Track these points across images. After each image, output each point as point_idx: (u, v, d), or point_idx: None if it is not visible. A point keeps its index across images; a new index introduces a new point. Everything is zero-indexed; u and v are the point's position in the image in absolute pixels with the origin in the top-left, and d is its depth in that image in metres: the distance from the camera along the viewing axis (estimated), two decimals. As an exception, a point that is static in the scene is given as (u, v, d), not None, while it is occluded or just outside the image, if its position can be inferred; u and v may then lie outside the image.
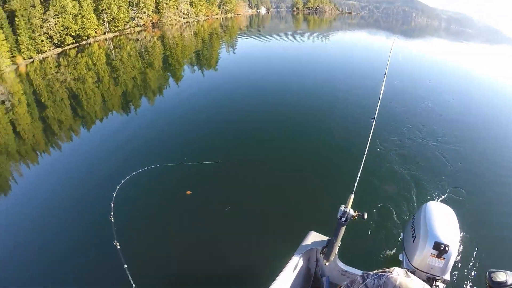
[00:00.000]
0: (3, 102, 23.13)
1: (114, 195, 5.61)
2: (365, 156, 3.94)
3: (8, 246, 7.56)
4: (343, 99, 14.36)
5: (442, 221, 3.43)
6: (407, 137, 10.18)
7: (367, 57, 26.52)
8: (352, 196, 3.51)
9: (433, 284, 3.32)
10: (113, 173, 8.85)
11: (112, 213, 4.97)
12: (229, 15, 73.13)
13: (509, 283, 2.76)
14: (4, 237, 8.15)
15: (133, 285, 3.50)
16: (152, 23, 57.17)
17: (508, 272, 2.87)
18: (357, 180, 3.67)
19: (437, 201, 4.17)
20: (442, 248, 3.16)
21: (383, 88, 4.87)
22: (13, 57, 38.27)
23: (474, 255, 5.41)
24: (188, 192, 8.37)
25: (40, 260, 6.90)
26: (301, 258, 3.62)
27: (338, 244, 3.37)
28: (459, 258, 3.72)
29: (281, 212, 7.21)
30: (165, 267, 6.09)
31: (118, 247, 4.05)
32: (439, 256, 3.19)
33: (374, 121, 4.35)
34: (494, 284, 2.82)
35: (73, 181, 10.14)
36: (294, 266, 3.50)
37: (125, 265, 3.78)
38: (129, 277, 3.64)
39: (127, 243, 4.54)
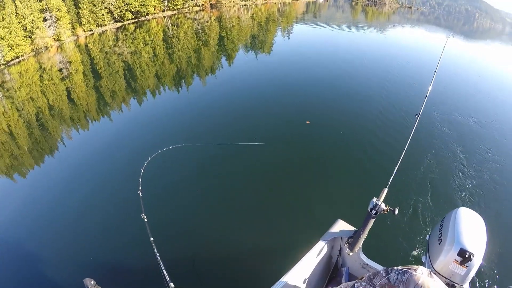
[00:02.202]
0: (61, 70, 23.72)
1: (142, 171, 5.75)
2: (404, 151, 3.77)
3: (38, 214, 8.07)
4: (390, 92, 13.65)
5: (471, 228, 3.28)
6: (450, 139, 9.77)
7: (421, 52, 24.50)
8: (386, 190, 3.36)
9: None
10: (148, 148, 8.82)
11: (140, 188, 5.09)
12: (287, 0, 71.57)
13: None
14: (42, 200, 8.65)
15: (158, 257, 3.53)
16: (210, 4, 56.96)
17: None
18: (393, 175, 3.53)
19: (469, 208, 3.68)
20: (466, 256, 3.01)
21: (431, 85, 4.58)
22: (73, 28, 39.67)
23: (497, 269, 5.29)
24: (308, 122, 9.83)
25: (69, 231, 7.18)
26: (326, 245, 3.68)
27: (364, 236, 3.35)
28: (481, 269, 3.49)
29: (313, 197, 7.31)
30: (190, 242, 6.35)
31: (146, 220, 4.12)
32: (462, 263, 3.06)
33: (418, 118, 4.19)
34: None
35: (112, 150, 10.67)
36: (317, 252, 3.57)
37: (151, 238, 3.82)
38: (155, 249, 3.69)
39: (154, 217, 4.72)
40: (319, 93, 13.85)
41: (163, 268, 3.30)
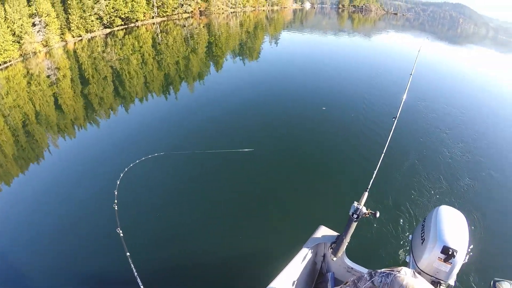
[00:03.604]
0: (49, 76, 23.66)
1: (118, 182, 5.45)
2: (383, 154, 3.86)
3: (12, 227, 7.78)
4: (370, 95, 14.03)
5: (453, 226, 3.41)
6: (428, 140, 10.15)
7: (401, 56, 25.63)
8: (366, 193, 3.43)
9: None
10: (127, 157, 8.40)
11: (116, 201, 4.89)
12: (275, 7, 72.20)
13: None
14: (17, 212, 8.33)
15: (135, 273, 3.43)
16: (199, 11, 57.36)
17: None
18: (373, 178, 3.58)
19: (450, 206, 3.95)
20: (450, 253, 3.11)
21: (407, 88, 4.75)
22: (62, 34, 39.41)
23: (481, 263, 5.37)
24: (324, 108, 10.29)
25: (44, 246, 6.97)
26: (309, 251, 3.68)
27: (347, 241, 3.37)
28: (465, 264, 3.32)
29: (293, 204, 7.33)
30: (168, 255, 6.17)
31: (121, 235, 4.00)
32: (446, 260, 3.15)
33: (396, 121, 4.27)
34: None
35: (90, 161, 10.26)
36: (301, 259, 3.56)
37: (128, 253, 3.70)
38: (131, 265, 3.57)
39: (130, 231, 4.61)
40: (303, 99, 14.22)
41: (140, 284, 3.24)
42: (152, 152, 7.53)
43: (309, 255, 3.71)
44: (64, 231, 7.32)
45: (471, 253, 5.17)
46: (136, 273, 3.41)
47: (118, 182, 5.31)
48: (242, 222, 6.88)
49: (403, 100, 4.55)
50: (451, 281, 3.28)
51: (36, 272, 6.38)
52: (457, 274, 3.26)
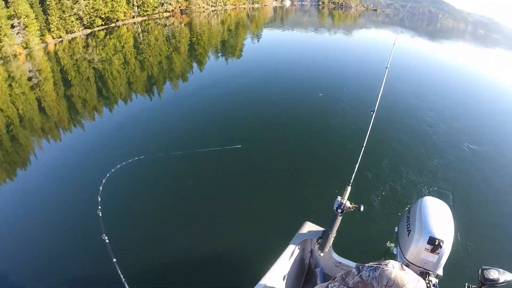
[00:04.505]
0: (30, 78, 23.51)
1: (101, 188, 5.39)
2: (363, 148, 3.89)
3: None
4: (349, 90, 14.28)
5: (438, 216, 3.42)
6: (407, 131, 10.27)
7: (379, 50, 25.87)
8: (349, 187, 3.44)
9: (426, 279, 3.28)
10: (109, 162, 8.04)
11: (99, 207, 4.81)
12: (256, 5, 72.40)
13: (500, 280, 2.75)
14: None
15: (123, 279, 3.39)
16: (180, 9, 56.76)
17: (500, 270, 2.83)
18: (355, 172, 3.63)
19: (433, 196, 3.93)
20: (436, 243, 3.14)
21: (384, 81, 4.78)
22: (42, 35, 38.98)
23: (468, 252, 5.56)
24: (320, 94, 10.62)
25: (27, 255, 6.79)
26: (296, 247, 3.64)
27: (333, 236, 3.35)
28: (452, 254, 3.32)
29: (278, 201, 7.29)
30: (155, 259, 6.04)
31: (107, 241, 3.93)
32: (433, 251, 3.18)
33: (374, 114, 4.32)
34: (486, 281, 2.80)
35: (71, 166, 10.09)
36: (289, 255, 3.53)
37: (114, 259, 3.66)
38: (119, 271, 3.53)
39: (116, 237, 4.47)
40: (285, 94, 14.33)
41: None
42: (137, 155, 7.56)
43: (297, 251, 3.71)
44: (48, 238, 7.18)
45: (458, 243, 5.28)
46: (123, 279, 3.38)
47: (101, 188, 5.25)
48: (228, 220, 6.81)
49: (380, 93, 4.59)
50: (439, 271, 3.32)
51: (19, 279, 6.28)
52: (445, 264, 3.29)
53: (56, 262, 6.49)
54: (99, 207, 4.75)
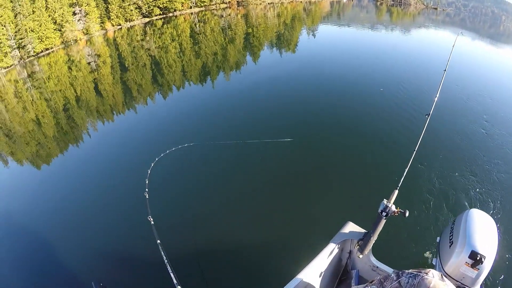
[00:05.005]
0: (89, 63, 24.05)
1: (149, 172, 5.69)
2: (414, 152, 3.67)
3: (52, 208, 8.07)
4: (403, 91, 13.17)
5: (483, 230, 3.20)
6: (462, 139, 9.47)
7: (438, 52, 24.00)
8: (396, 191, 3.27)
9: None
10: (160, 146, 8.63)
11: (147, 190, 5.10)
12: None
13: None
14: (53, 196, 8.63)
15: (166, 260, 3.49)
16: (237, 1, 56.76)
17: None
18: (404, 176, 3.42)
19: (481, 209, 3.54)
20: (478, 258, 2.95)
21: (441, 85, 4.55)
22: (102, 23, 40.44)
23: (508, 272, 5.17)
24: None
25: (75, 229, 7.10)
26: (336, 246, 3.64)
27: (374, 239, 3.30)
28: (493, 271, 3.06)
29: (323, 197, 7.21)
30: (197, 243, 6.17)
31: (152, 223, 4.10)
32: (473, 266, 3.00)
33: (429, 118, 4.07)
34: None
35: (124, 148, 10.50)
36: (328, 253, 3.52)
37: (158, 241, 3.80)
38: (162, 252, 3.66)
39: (161, 219, 4.76)
40: (337, 91, 13.75)
41: (170, 271, 3.29)
42: (187, 142, 7.82)
43: (336, 251, 3.69)
44: (96, 217, 7.38)
45: (499, 261, 4.63)
46: (166, 260, 3.51)
47: (149, 171, 5.58)
48: (272, 213, 6.81)
49: (437, 97, 4.39)
50: None
51: (69, 260, 6.44)
52: (483, 281, 3.09)
53: (103, 239, 6.70)
54: (146, 190, 5.10)
